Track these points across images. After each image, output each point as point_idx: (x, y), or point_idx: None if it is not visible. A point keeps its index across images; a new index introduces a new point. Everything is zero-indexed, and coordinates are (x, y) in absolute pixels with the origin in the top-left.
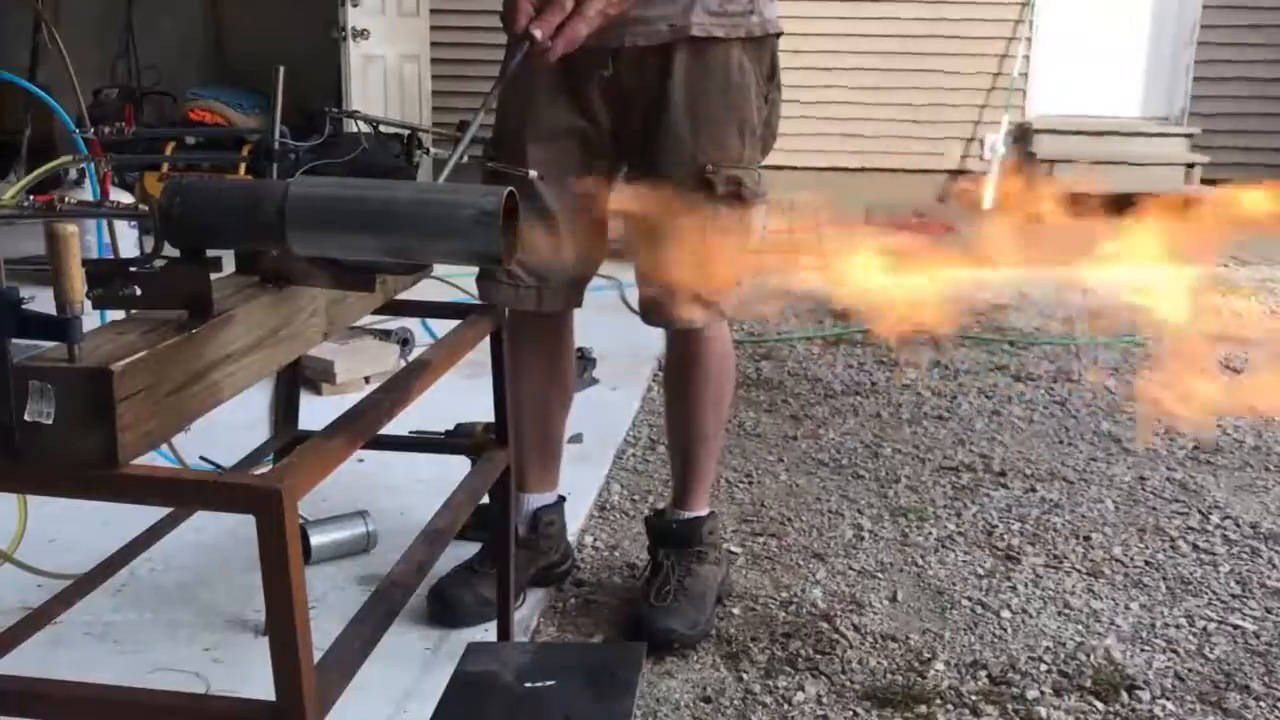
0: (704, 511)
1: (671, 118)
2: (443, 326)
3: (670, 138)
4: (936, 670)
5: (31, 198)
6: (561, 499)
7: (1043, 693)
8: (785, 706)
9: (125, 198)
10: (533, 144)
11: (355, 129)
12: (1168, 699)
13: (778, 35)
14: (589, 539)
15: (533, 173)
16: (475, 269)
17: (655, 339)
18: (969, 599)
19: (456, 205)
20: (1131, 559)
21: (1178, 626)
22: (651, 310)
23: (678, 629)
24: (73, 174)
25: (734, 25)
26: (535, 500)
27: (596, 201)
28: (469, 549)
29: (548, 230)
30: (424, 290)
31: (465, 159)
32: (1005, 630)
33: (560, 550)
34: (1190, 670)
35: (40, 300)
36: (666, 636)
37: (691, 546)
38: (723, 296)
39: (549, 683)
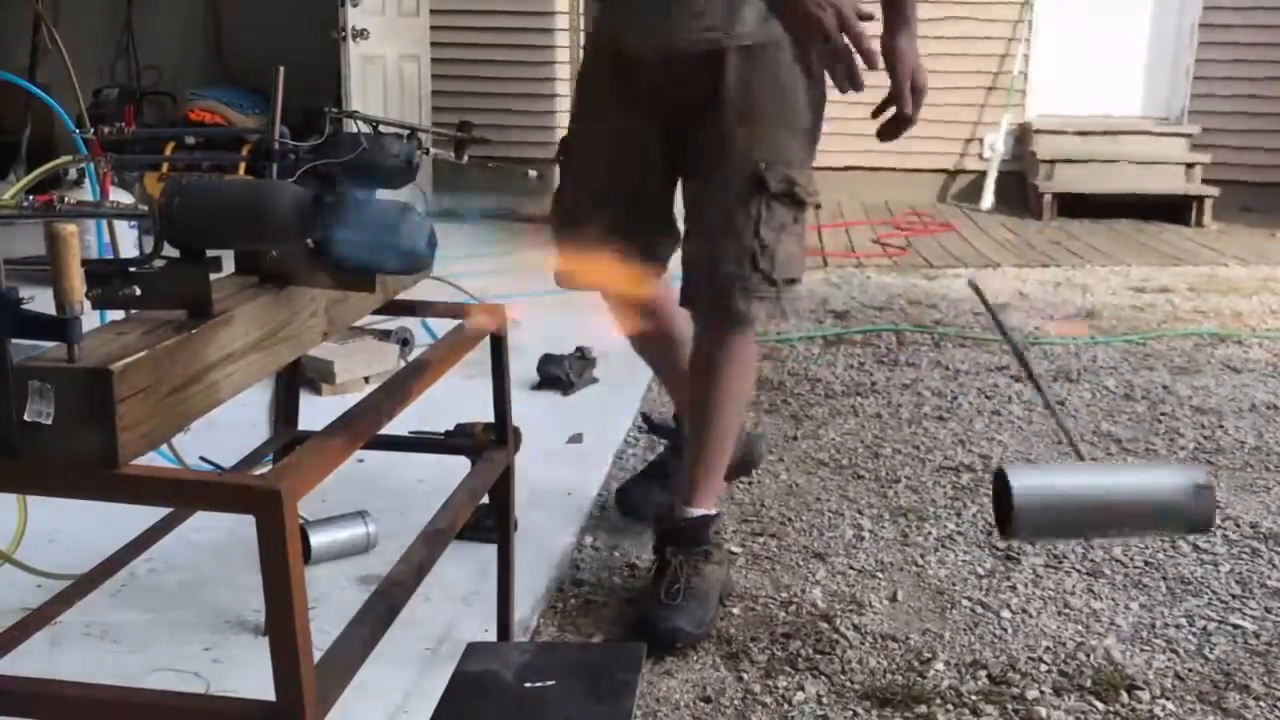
0: (711, 510)
1: (725, 119)
2: (443, 326)
3: (724, 138)
4: (936, 670)
5: (31, 198)
6: None
7: (1043, 693)
8: (785, 706)
9: (125, 198)
10: (598, 146)
11: (355, 129)
12: (1168, 699)
13: None
14: (589, 539)
15: (532, 172)
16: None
17: None
18: (969, 599)
19: (1173, 489)
20: (1131, 559)
21: (1178, 626)
22: (698, 300)
23: (685, 628)
24: (73, 174)
25: (780, 30)
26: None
27: (661, 201)
28: None
29: (621, 231)
30: (424, 290)
31: (465, 159)
32: (1005, 630)
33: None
34: (1190, 670)
35: (40, 300)
36: (674, 636)
37: (699, 545)
38: (777, 295)
39: (549, 683)
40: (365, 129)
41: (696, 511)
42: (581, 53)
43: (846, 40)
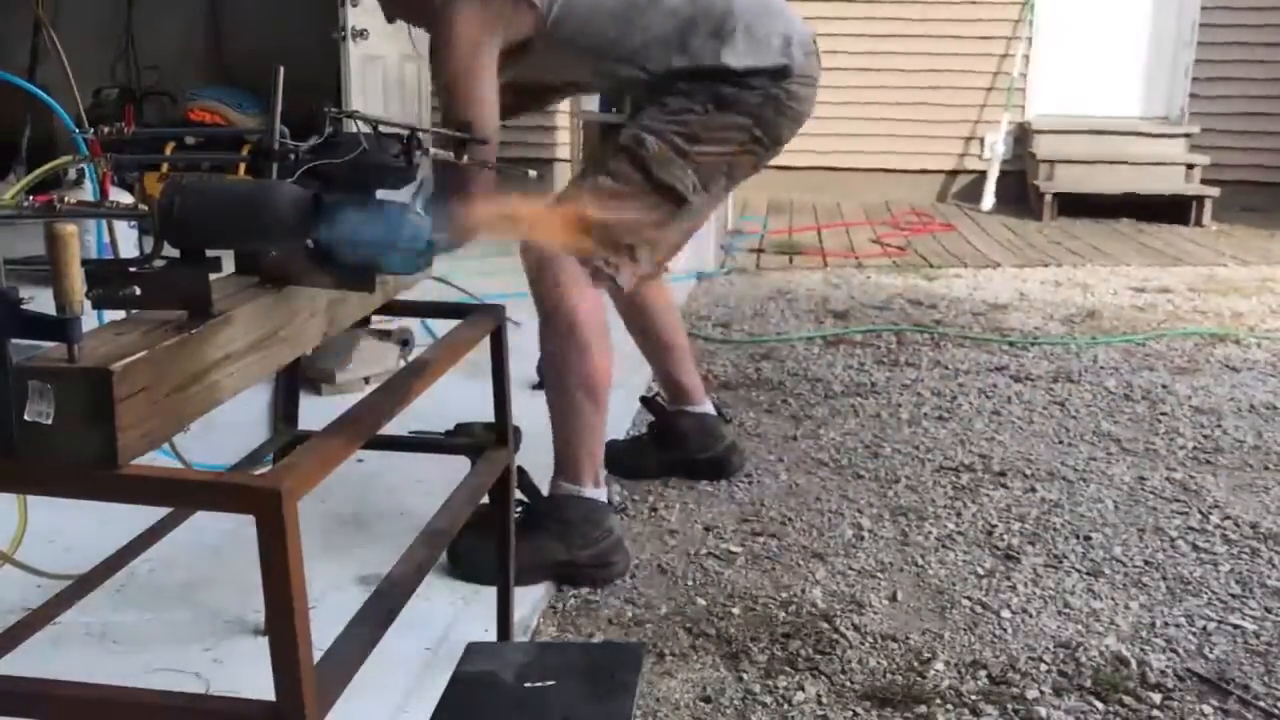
0: (574, 487)
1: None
2: (443, 326)
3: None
4: (936, 670)
5: (31, 198)
6: (721, 415)
7: (1043, 693)
8: (785, 706)
9: (125, 198)
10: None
11: (355, 129)
12: (1168, 699)
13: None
14: None
15: (532, 172)
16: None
17: None
18: (969, 599)
19: None
20: (1131, 559)
21: (1178, 626)
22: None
23: (463, 551)
24: (72, 174)
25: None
26: (672, 406)
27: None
28: None
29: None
30: (424, 290)
31: (465, 159)
32: (1005, 630)
33: (707, 453)
34: (1190, 670)
35: (40, 300)
36: (453, 547)
37: (538, 508)
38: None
39: (549, 683)
40: (365, 129)
41: (560, 482)
42: None
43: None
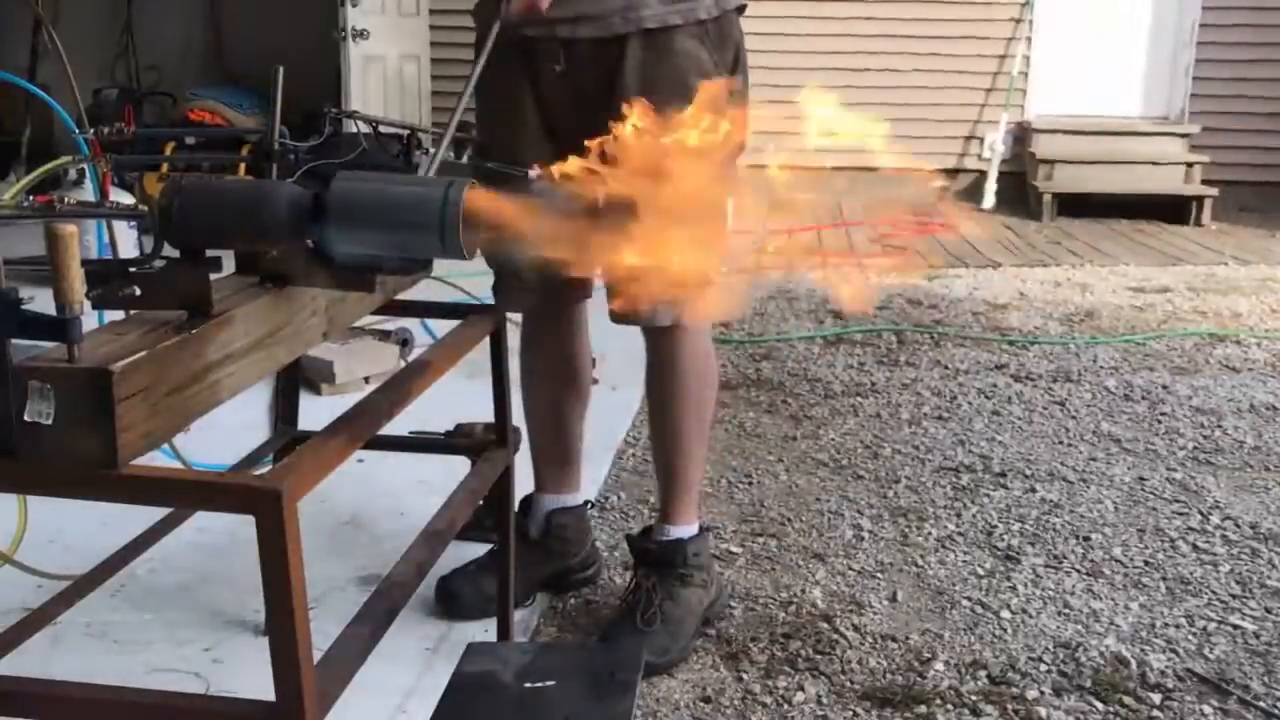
0: (691, 529)
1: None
2: (443, 326)
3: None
4: (936, 670)
5: (31, 198)
6: (587, 503)
7: (1043, 693)
8: (785, 706)
9: (125, 198)
10: (520, 149)
11: (355, 129)
12: (1168, 699)
13: (739, 9)
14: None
15: (532, 172)
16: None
17: None
18: (969, 599)
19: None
20: (1131, 559)
21: (1178, 626)
22: (617, 309)
23: (648, 657)
24: (72, 174)
25: (689, 9)
26: (550, 501)
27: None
28: (472, 549)
29: None
30: (424, 290)
31: (465, 159)
32: (1005, 630)
33: (580, 555)
34: (1190, 670)
35: (40, 300)
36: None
37: (674, 568)
38: (693, 292)
39: (549, 683)
40: (365, 129)
41: (673, 532)
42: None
43: None
